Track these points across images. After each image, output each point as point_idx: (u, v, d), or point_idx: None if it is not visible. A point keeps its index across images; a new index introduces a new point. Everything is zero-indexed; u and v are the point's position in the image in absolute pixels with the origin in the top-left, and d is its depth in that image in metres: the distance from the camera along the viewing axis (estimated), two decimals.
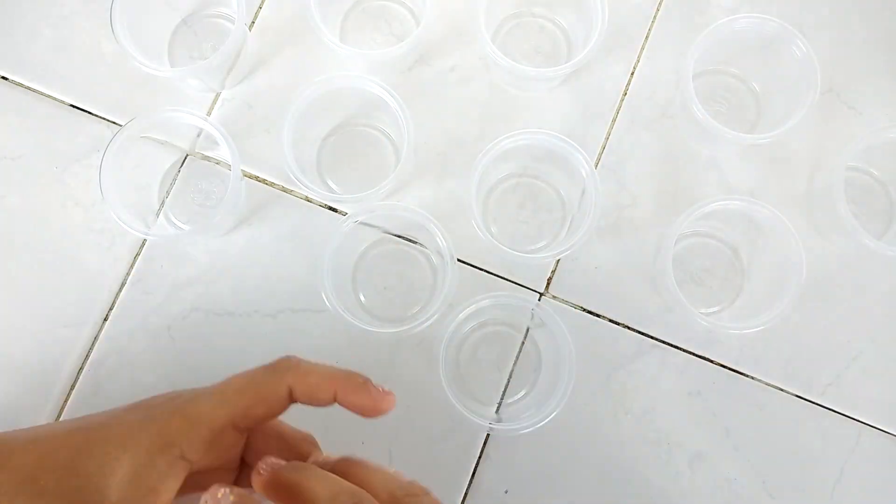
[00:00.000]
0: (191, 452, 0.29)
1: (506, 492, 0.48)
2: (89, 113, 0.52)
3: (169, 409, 0.30)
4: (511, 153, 0.48)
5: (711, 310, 0.50)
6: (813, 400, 0.50)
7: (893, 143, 0.48)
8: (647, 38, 0.54)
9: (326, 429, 0.49)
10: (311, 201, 0.52)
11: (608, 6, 0.48)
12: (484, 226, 0.50)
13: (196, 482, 0.30)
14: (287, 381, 0.31)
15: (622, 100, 0.53)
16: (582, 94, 0.53)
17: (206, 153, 0.52)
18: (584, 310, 0.51)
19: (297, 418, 0.49)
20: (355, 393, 0.31)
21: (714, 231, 0.51)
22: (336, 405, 0.32)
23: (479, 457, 0.49)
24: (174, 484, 0.28)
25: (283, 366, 0.31)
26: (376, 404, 0.31)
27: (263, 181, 0.52)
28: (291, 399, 0.31)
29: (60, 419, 0.49)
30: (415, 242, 0.51)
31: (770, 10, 0.55)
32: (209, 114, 0.53)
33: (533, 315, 0.48)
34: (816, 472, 0.49)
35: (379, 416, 0.31)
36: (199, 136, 0.52)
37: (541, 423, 0.44)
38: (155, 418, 0.29)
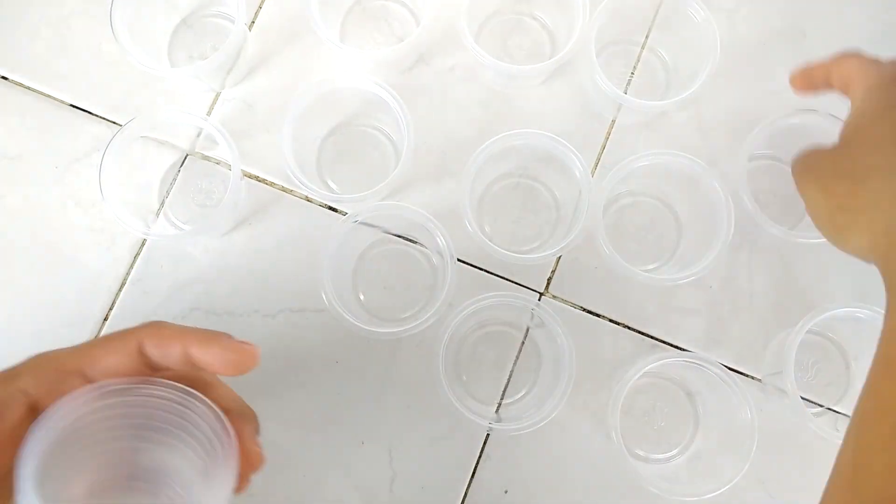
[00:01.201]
0: (32, 387, 0.29)
1: (506, 491, 0.48)
2: (89, 113, 0.52)
3: (35, 355, 0.31)
4: (507, 153, 0.48)
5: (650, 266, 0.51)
6: (813, 400, 0.50)
7: (796, 128, 0.49)
8: (646, 38, 0.54)
9: (326, 428, 0.49)
10: (311, 201, 0.52)
11: (610, 9, 0.48)
12: (478, 226, 0.50)
13: None
14: (139, 334, 0.30)
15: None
16: (582, 95, 0.53)
17: (206, 153, 0.52)
18: (584, 310, 0.51)
19: (295, 417, 0.49)
20: (207, 345, 0.30)
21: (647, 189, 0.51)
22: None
23: (479, 456, 0.49)
24: (11, 413, 0.29)
25: (145, 324, 0.31)
26: (232, 356, 0.30)
27: (263, 181, 0.52)
28: (144, 354, 0.31)
29: None
30: (415, 242, 0.51)
31: (770, 10, 0.55)
32: (209, 114, 0.53)
33: (533, 315, 0.48)
34: (816, 472, 0.49)
35: (239, 373, 0.30)
36: (199, 135, 0.52)
37: (541, 423, 0.44)
38: (21, 362, 0.31)
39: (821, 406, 0.50)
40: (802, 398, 0.46)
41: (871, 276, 0.35)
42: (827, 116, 0.48)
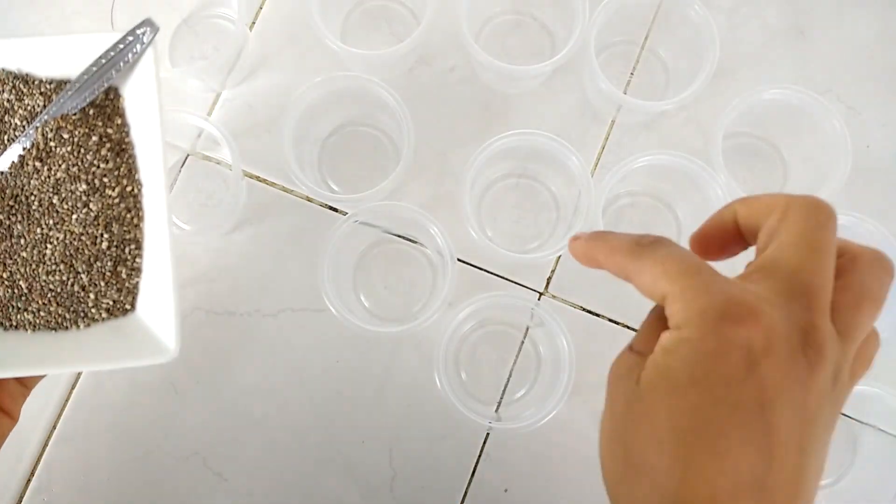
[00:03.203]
0: None
1: (505, 490, 0.49)
2: None
3: None
4: (507, 153, 0.48)
5: None
6: None
7: (770, 104, 0.49)
8: (646, 38, 0.54)
9: (326, 428, 0.49)
10: (311, 201, 0.52)
11: (612, 11, 0.48)
12: (478, 226, 0.50)
13: None
14: None
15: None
16: (582, 95, 0.53)
17: (207, 153, 0.52)
18: (584, 310, 0.51)
19: (295, 417, 0.49)
20: None
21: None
22: None
23: (479, 455, 0.49)
24: None
25: None
26: None
27: (264, 181, 0.52)
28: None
29: (64, 415, 0.49)
30: (415, 242, 0.51)
31: (770, 10, 0.55)
32: (210, 114, 0.53)
33: (533, 315, 0.49)
34: None
35: None
36: (199, 136, 0.52)
37: (540, 422, 0.44)
38: None
39: None
40: None
41: None
42: (803, 92, 0.48)
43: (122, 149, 0.36)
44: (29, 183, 0.35)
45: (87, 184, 0.35)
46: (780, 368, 0.22)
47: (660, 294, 0.25)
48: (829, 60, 0.54)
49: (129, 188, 0.36)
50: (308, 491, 0.48)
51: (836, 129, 0.47)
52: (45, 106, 0.35)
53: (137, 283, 0.36)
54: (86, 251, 0.35)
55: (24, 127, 0.35)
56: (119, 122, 0.36)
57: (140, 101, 0.35)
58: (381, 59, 0.51)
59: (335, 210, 0.52)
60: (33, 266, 0.35)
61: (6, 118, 0.36)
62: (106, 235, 0.35)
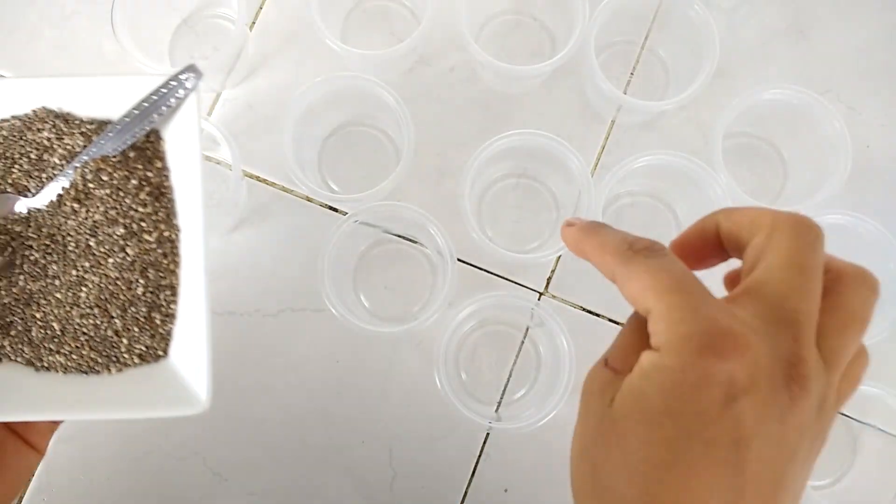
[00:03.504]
0: None
1: (505, 490, 0.49)
2: None
3: None
4: (507, 153, 0.48)
5: None
6: None
7: (770, 104, 0.49)
8: (646, 38, 0.54)
9: (326, 428, 0.49)
10: (311, 201, 0.52)
11: (612, 12, 0.48)
12: (478, 226, 0.50)
13: None
14: None
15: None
16: (581, 95, 0.53)
17: (208, 153, 0.52)
18: (584, 309, 0.51)
19: (295, 417, 0.49)
20: None
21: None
22: None
23: (479, 455, 0.49)
24: None
25: None
26: None
27: (264, 181, 0.52)
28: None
29: None
30: (415, 242, 0.51)
31: (770, 10, 0.55)
32: (210, 114, 0.53)
33: (533, 315, 0.49)
34: (816, 472, 0.49)
35: None
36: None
37: (540, 422, 0.44)
38: None
39: None
40: None
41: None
42: (803, 92, 0.48)
43: (161, 193, 0.35)
44: (66, 223, 0.34)
45: (125, 228, 0.34)
46: (759, 405, 0.22)
47: (644, 307, 0.24)
48: (829, 60, 0.54)
49: (166, 233, 0.35)
50: (308, 491, 0.48)
51: (836, 129, 0.47)
52: (85, 146, 0.34)
53: (171, 329, 0.35)
54: (121, 296, 0.34)
55: (62, 166, 0.35)
56: (159, 165, 0.35)
57: (181, 145, 0.35)
58: (381, 59, 0.51)
59: (335, 210, 0.52)
60: (67, 308, 0.35)
61: (45, 156, 0.35)
62: (142, 281, 0.34)
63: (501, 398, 0.50)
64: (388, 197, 0.51)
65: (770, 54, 0.54)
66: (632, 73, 0.54)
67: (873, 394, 0.46)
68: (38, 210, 0.35)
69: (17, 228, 0.35)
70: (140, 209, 0.34)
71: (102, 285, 0.34)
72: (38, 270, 0.35)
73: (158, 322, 0.35)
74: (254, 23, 0.54)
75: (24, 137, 0.35)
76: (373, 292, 0.51)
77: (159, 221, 0.35)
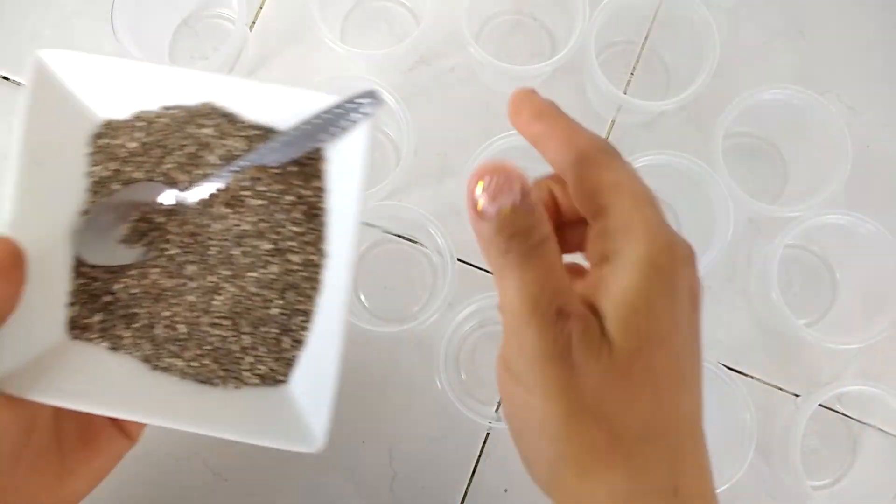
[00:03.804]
0: None
1: (505, 490, 0.49)
2: None
3: None
4: (507, 153, 0.48)
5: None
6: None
7: (770, 103, 0.49)
8: (646, 38, 0.54)
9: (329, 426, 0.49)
10: None
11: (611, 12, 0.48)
12: None
13: None
14: None
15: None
16: (582, 95, 0.53)
17: None
18: None
19: None
20: None
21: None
22: None
23: (479, 455, 0.49)
24: None
25: None
26: None
27: None
28: None
29: None
30: (415, 242, 0.51)
31: (770, 10, 0.55)
32: None
33: None
34: (816, 472, 0.49)
35: None
36: None
37: None
38: None
39: (832, 410, 0.50)
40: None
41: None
42: (803, 92, 0.48)
43: (314, 214, 0.33)
44: (211, 225, 0.33)
45: (273, 244, 0.33)
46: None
47: (603, 202, 0.25)
48: (829, 60, 0.54)
49: (312, 257, 0.33)
50: (308, 491, 0.48)
51: (836, 129, 0.47)
52: (245, 151, 0.33)
53: (297, 356, 0.34)
54: (255, 312, 0.33)
55: (219, 167, 0.33)
56: (317, 185, 0.33)
57: (344, 169, 0.32)
58: (380, 59, 0.51)
59: None
60: (198, 313, 0.33)
61: (203, 153, 0.33)
62: (279, 301, 0.33)
63: None
64: (388, 197, 0.51)
65: (770, 54, 0.54)
66: (632, 73, 0.54)
67: (873, 394, 0.46)
68: (184, 206, 0.33)
69: (159, 220, 0.33)
70: (291, 227, 0.33)
71: (239, 298, 0.33)
72: (174, 267, 0.34)
73: (286, 346, 0.34)
74: (254, 23, 0.54)
75: (185, 130, 0.33)
76: (373, 292, 0.51)
77: (308, 244, 0.33)
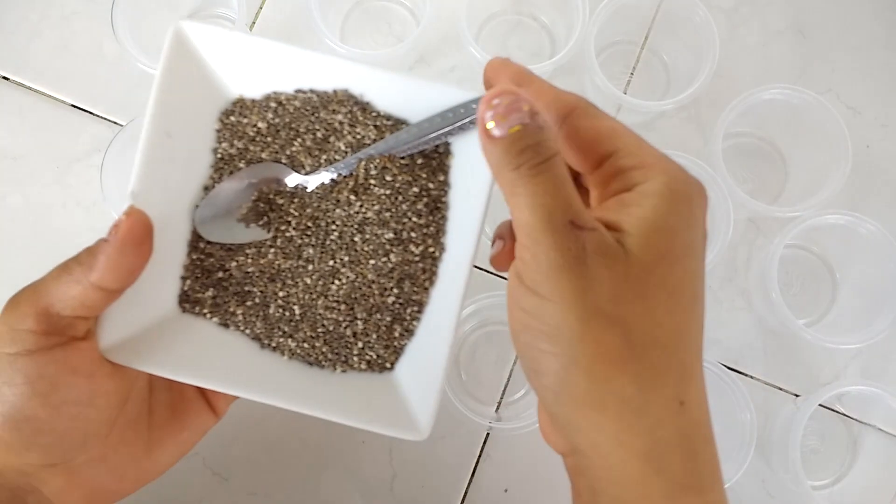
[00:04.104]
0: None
1: (506, 490, 0.49)
2: (90, 113, 0.52)
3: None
4: None
5: None
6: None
7: (771, 103, 0.49)
8: (646, 38, 0.54)
9: (327, 427, 0.49)
10: None
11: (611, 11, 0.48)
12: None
13: None
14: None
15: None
16: (582, 95, 0.53)
17: None
18: None
19: (295, 416, 0.49)
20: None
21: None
22: None
23: (479, 456, 0.49)
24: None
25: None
26: None
27: None
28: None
29: None
30: None
31: (770, 10, 0.55)
32: None
33: None
34: (816, 472, 0.49)
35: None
36: None
37: None
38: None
39: (834, 410, 0.50)
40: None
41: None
42: (803, 92, 0.48)
43: (436, 207, 0.33)
44: (334, 211, 0.34)
45: (395, 233, 0.33)
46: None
47: (609, 147, 0.26)
48: (829, 60, 0.54)
49: (431, 249, 0.33)
50: (308, 491, 0.48)
51: (836, 129, 0.47)
52: (374, 140, 0.33)
53: (405, 345, 0.34)
54: (371, 300, 0.34)
55: (346, 153, 0.33)
56: (442, 179, 0.33)
57: (471, 165, 0.32)
58: (381, 59, 0.51)
59: None
60: (314, 296, 0.34)
61: (332, 139, 0.33)
62: (395, 290, 0.33)
63: (501, 398, 0.50)
64: None
65: (770, 54, 0.54)
66: (632, 73, 0.54)
67: (873, 394, 0.46)
68: (306, 189, 0.34)
69: (280, 201, 0.34)
70: (414, 219, 0.33)
71: (357, 284, 0.34)
72: (292, 249, 0.34)
73: (397, 335, 0.34)
74: (254, 23, 0.54)
75: (316, 114, 0.33)
76: None
77: (428, 236, 0.33)
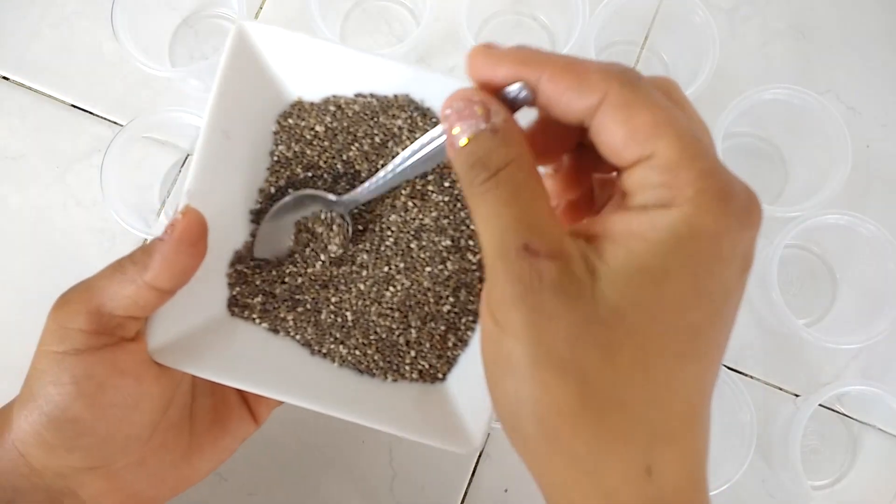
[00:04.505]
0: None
1: (505, 490, 0.49)
2: (90, 113, 0.52)
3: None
4: None
5: None
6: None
7: (771, 103, 0.49)
8: (646, 38, 0.54)
9: (327, 427, 0.49)
10: None
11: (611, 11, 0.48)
12: None
13: None
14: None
15: None
16: None
17: None
18: None
19: (296, 416, 0.49)
20: None
21: None
22: None
23: (479, 456, 0.49)
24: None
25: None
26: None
27: None
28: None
29: None
30: None
31: (770, 10, 0.55)
32: None
33: None
34: (816, 472, 0.49)
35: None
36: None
37: None
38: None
39: (832, 410, 0.50)
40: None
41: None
42: (803, 92, 0.48)
43: None
44: (389, 217, 0.33)
45: (452, 241, 0.32)
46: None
47: (640, 151, 0.20)
48: (829, 60, 0.54)
49: None
50: (308, 491, 0.48)
51: (836, 129, 0.47)
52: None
53: (458, 355, 0.33)
54: (426, 308, 0.33)
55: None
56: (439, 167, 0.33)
57: None
58: None
59: None
60: (367, 302, 0.33)
61: (390, 144, 0.33)
62: (451, 299, 0.33)
63: None
64: None
65: (770, 54, 0.54)
66: None
67: (873, 394, 0.46)
68: (357, 200, 0.33)
69: (319, 230, 0.33)
70: (471, 226, 0.32)
71: (412, 291, 0.33)
72: (346, 255, 0.33)
73: (451, 345, 0.33)
74: None
75: (376, 119, 0.33)
76: None
77: None
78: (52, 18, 0.53)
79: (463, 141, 0.21)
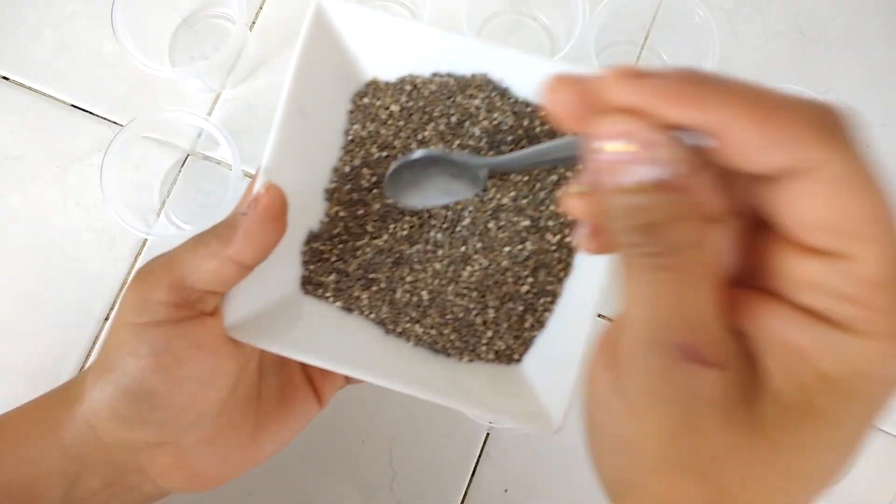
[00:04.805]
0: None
1: (505, 490, 0.49)
2: (90, 113, 0.52)
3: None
4: None
5: None
6: None
7: None
8: (646, 38, 0.54)
9: (329, 426, 0.49)
10: None
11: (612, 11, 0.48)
12: None
13: None
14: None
15: None
16: None
17: (207, 153, 0.52)
18: None
19: None
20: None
21: None
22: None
23: (479, 456, 0.49)
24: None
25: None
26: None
27: None
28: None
29: None
30: None
31: (770, 10, 0.55)
32: (210, 114, 0.53)
33: None
34: None
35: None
36: (199, 136, 0.52)
37: None
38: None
39: None
40: None
41: None
42: (803, 92, 0.48)
43: None
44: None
45: (531, 221, 0.32)
46: None
47: (836, 245, 0.15)
48: (829, 60, 0.54)
49: (568, 239, 0.32)
50: (308, 491, 0.48)
51: None
52: (511, 125, 0.32)
53: (534, 336, 0.33)
54: (504, 288, 0.33)
55: (480, 139, 0.32)
56: (581, 166, 0.33)
57: None
58: None
59: None
60: (444, 282, 0.33)
61: (466, 124, 0.32)
62: (530, 279, 0.32)
63: None
64: None
65: (770, 54, 0.54)
66: None
67: None
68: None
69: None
70: (551, 207, 0.32)
71: (490, 271, 0.33)
72: (417, 235, 0.33)
73: (528, 326, 0.33)
74: (254, 23, 0.54)
75: (452, 98, 0.32)
76: None
77: (565, 225, 0.32)
78: (52, 18, 0.53)
79: (628, 181, 0.16)
